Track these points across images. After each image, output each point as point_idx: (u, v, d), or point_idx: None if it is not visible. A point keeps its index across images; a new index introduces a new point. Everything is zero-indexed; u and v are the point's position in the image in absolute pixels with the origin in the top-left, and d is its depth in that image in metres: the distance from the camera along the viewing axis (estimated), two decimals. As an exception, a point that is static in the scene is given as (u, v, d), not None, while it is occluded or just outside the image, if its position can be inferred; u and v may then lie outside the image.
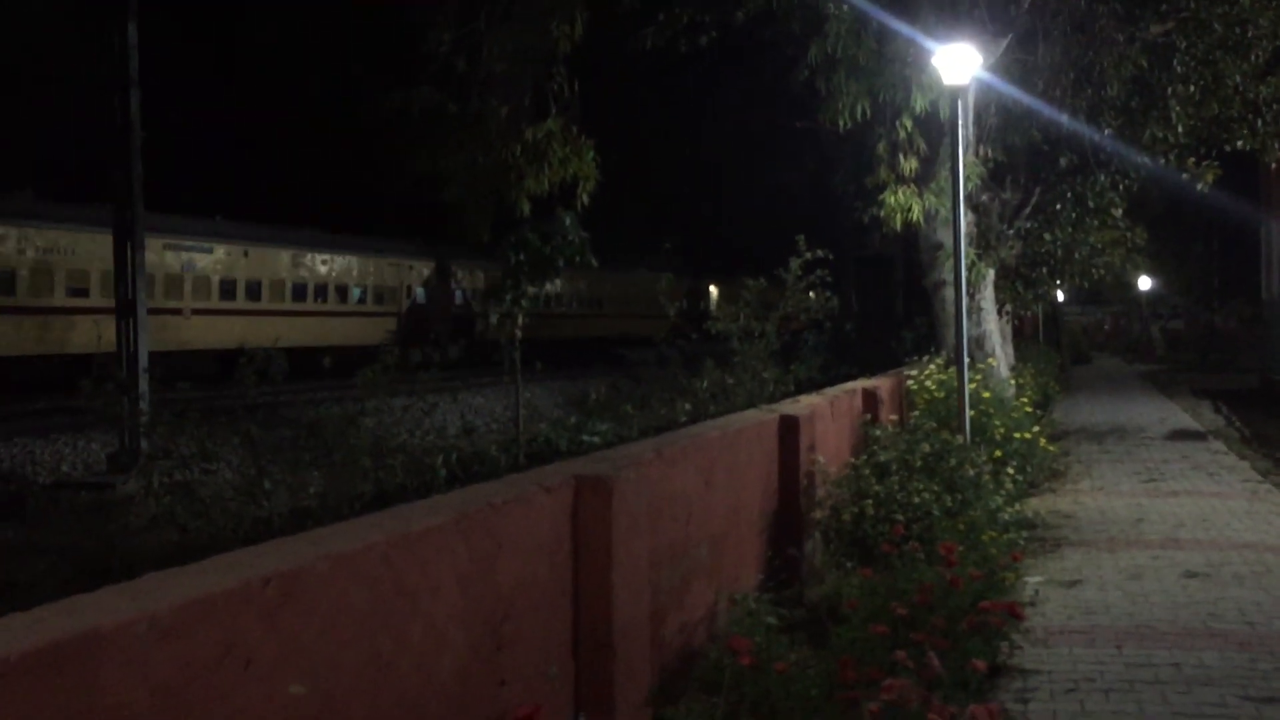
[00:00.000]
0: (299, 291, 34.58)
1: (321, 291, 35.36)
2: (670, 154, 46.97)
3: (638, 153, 43.09)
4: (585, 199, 11.72)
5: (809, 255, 10.44)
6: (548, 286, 41.69)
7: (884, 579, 6.47)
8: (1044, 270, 17.32)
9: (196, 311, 30.75)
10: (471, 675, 3.96)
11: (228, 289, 32.21)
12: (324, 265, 35.61)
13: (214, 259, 31.79)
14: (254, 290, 32.93)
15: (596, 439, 11.22)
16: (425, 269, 40.24)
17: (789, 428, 7.97)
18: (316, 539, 3.45)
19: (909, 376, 12.68)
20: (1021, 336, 32.41)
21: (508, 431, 14.85)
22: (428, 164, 12.91)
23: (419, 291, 39.87)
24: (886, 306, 47.05)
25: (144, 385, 14.57)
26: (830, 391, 10.10)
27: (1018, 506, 9.74)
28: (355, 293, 37.07)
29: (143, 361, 14.52)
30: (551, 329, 39.19)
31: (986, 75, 12.88)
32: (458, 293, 41.77)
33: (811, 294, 11.95)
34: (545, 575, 4.53)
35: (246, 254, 32.69)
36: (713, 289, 53.54)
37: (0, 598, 7.15)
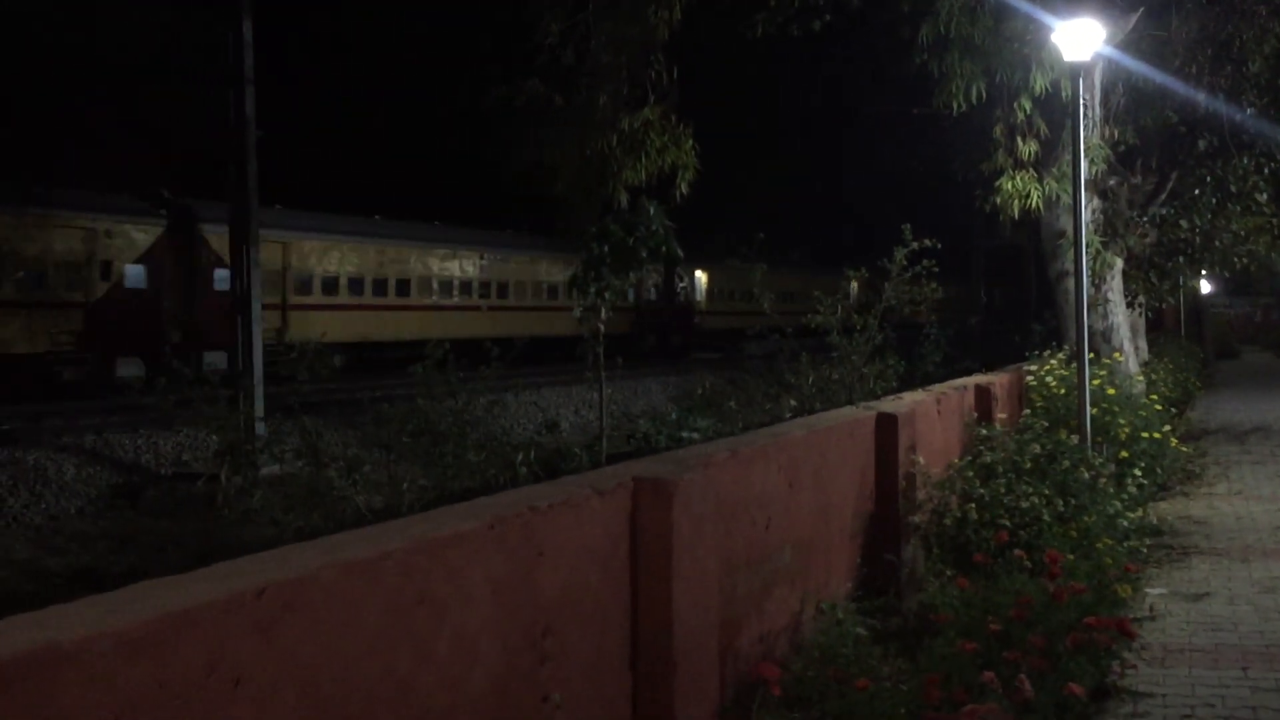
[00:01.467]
0: None
1: None
2: (776, 142, 45.42)
3: (742, 141, 41.75)
4: (684, 189, 11.45)
5: (915, 244, 9.95)
6: (457, 270, 32.80)
7: (981, 590, 6.03)
8: (1180, 260, 16.28)
9: None
10: (509, 691, 3.73)
11: None
12: None
13: None
14: None
15: (696, 435, 10.93)
16: (144, 234, 26.11)
17: (887, 426, 7.54)
18: (328, 545, 3.26)
19: (1029, 372, 12.03)
20: (1162, 329, 30.82)
21: (615, 426, 14.67)
22: (534, 156, 12.80)
23: (131, 271, 25.78)
24: (1017, 298, 45.47)
25: (259, 377, 14.91)
26: (938, 388, 9.58)
27: (1141, 511, 9.08)
28: None
29: (257, 357, 14.78)
30: (455, 326, 30.24)
31: (1114, 51, 12.11)
32: (218, 274, 26.43)
33: (929, 285, 11.43)
34: (597, 584, 4.27)
35: None
36: (700, 275, 42.10)
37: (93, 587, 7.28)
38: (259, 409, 13.99)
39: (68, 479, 13.90)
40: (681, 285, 41.58)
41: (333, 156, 42.29)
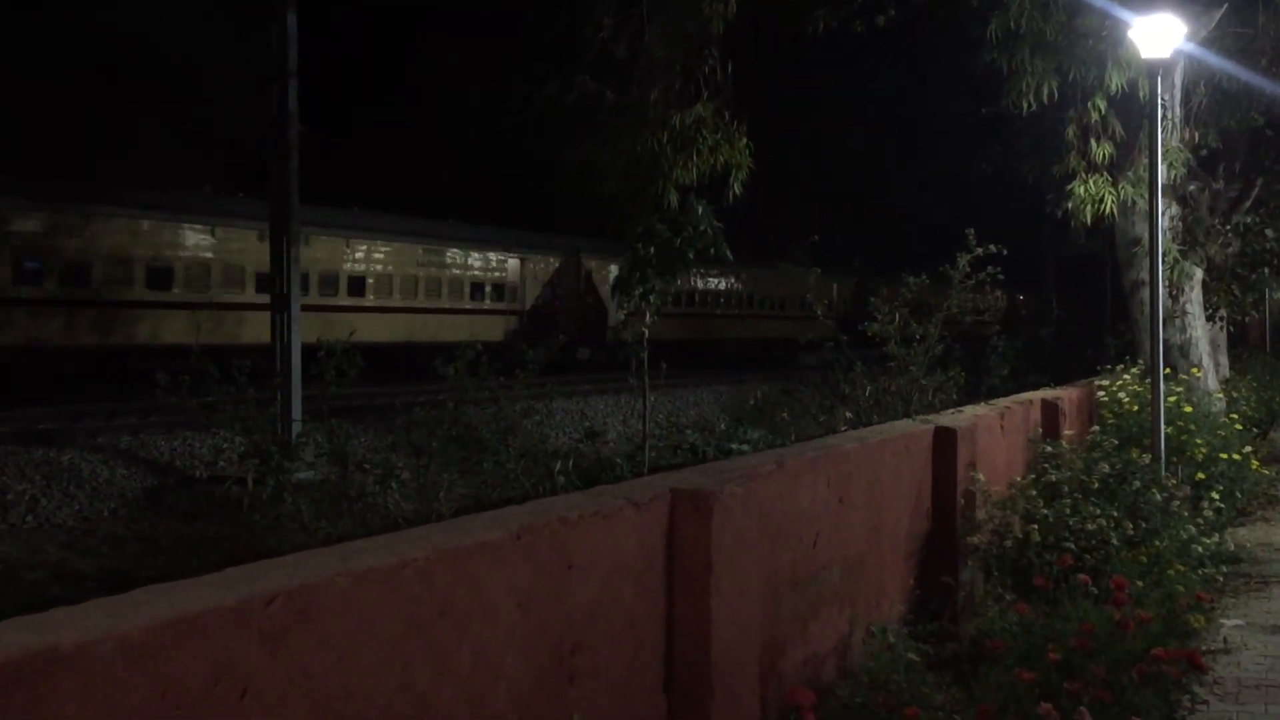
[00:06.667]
0: None
1: None
2: (838, 143, 44.84)
3: (802, 141, 41.66)
4: (737, 189, 11.17)
5: (979, 250, 9.63)
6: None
7: (1042, 616, 5.75)
8: (1265, 271, 15.65)
9: None
10: (533, 710, 3.59)
11: None
12: None
13: None
14: None
15: (746, 447, 10.67)
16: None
17: (945, 441, 7.28)
18: (344, 552, 3.15)
19: (1100, 387, 11.61)
20: (1245, 345, 29.74)
21: (663, 437, 14.38)
22: (584, 156, 12.55)
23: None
24: (1091, 309, 44.20)
25: (298, 379, 14.63)
26: (1002, 402, 9.28)
27: (1217, 537, 8.67)
28: None
29: (295, 358, 14.56)
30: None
31: (1195, 48, 11.64)
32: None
33: (994, 293, 11.11)
34: (631, 600, 4.11)
35: None
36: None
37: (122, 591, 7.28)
38: (296, 411, 13.74)
39: (101, 480, 13.71)
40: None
41: (382, 154, 42.71)
